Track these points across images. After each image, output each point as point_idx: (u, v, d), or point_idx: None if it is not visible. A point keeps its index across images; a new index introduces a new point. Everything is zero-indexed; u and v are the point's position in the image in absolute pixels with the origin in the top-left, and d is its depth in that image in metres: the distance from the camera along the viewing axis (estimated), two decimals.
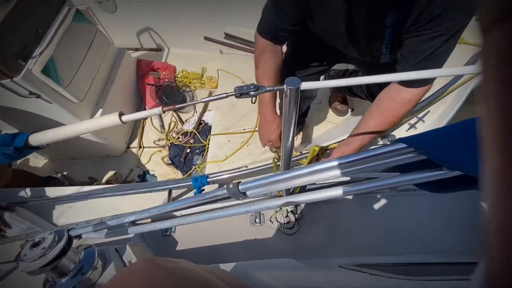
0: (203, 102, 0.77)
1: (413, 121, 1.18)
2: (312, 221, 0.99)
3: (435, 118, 1.18)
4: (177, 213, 0.89)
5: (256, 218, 1.02)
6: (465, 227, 0.90)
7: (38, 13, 1.45)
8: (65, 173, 1.82)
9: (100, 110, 1.77)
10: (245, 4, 1.97)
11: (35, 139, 0.84)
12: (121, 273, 0.37)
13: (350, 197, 1.02)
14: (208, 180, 1.01)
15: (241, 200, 0.64)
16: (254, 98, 0.69)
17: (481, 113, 0.14)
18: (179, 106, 0.87)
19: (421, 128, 1.17)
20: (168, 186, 1.06)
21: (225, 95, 0.69)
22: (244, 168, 1.09)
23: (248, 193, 0.60)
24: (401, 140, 0.43)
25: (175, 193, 1.15)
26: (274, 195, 0.95)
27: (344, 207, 1.00)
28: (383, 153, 0.44)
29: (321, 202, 0.95)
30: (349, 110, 1.67)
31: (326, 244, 0.94)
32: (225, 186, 0.60)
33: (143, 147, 2.03)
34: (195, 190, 1.07)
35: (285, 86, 0.53)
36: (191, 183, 1.01)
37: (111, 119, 0.78)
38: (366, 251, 0.91)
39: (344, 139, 1.06)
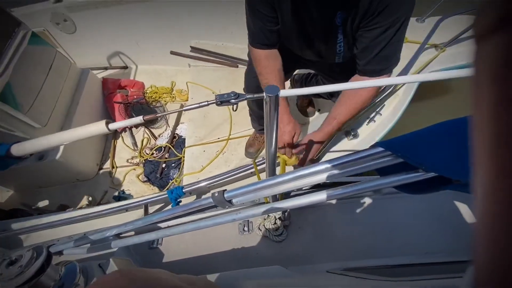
0: (184, 110, 0.77)
1: (371, 115, 1.28)
2: (300, 228, 1.00)
3: (390, 111, 1.29)
4: (163, 225, 0.88)
5: (244, 226, 1.02)
6: (447, 227, 0.94)
7: None
8: (35, 205, 1.72)
9: None
10: (209, 18, 2.03)
11: (18, 149, 0.80)
12: (90, 285, 0.38)
13: (336, 202, 1.04)
14: (184, 190, 1.02)
15: (228, 208, 0.65)
16: (235, 106, 0.70)
17: (473, 121, 0.14)
18: (160, 114, 0.87)
19: (379, 121, 1.27)
20: (143, 202, 1.04)
21: (206, 103, 0.70)
22: (218, 175, 1.11)
23: (234, 201, 0.60)
24: (379, 144, 0.45)
25: (152, 209, 1.14)
26: (262, 202, 0.97)
27: (331, 212, 1.02)
28: (363, 157, 0.46)
29: (308, 208, 1.01)
30: (316, 111, 1.76)
31: (314, 250, 0.95)
32: (210, 194, 0.60)
33: (116, 167, 1.98)
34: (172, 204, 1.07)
35: (264, 94, 0.54)
36: (166, 195, 1.01)
37: (98, 128, 0.76)
38: (354, 255, 0.92)
39: None
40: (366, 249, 0.93)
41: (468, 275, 0.32)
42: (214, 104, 0.69)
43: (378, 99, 1.26)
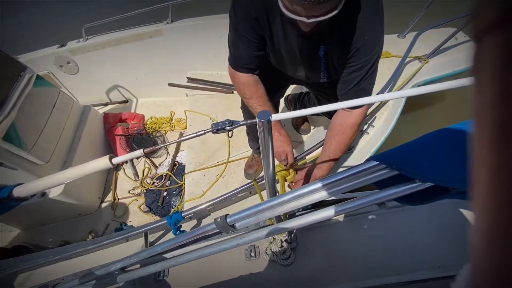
0: (182, 140, 0.80)
1: (364, 127, 1.31)
2: (308, 249, 0.97)
3: (382, 122, 1.32)
4: (168, 255, 0.86)
5: (251, 251, 0.98)
6: (456, 238, 0.91)
7: None
8: (37, 242, 1.71)
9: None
10: (202, 49, 2.16)
11: (20, 191, 0.79)
12: None
13: (342, 219, 1.02)
14: (183, 215, 1.02)
15: (231, 233, 0.64)
16: (230, 133, 0.72)
17: (473, 120, 0.14)
18: (159, 146, 0.89)
19: (372, 132, 1.29)
20: (143, 230, 1.04)
21: (202, 132, 0.72)
22: (217, 197, 1.11)
23: (237, 225, 0.59)
24: (372, 158, 0.46)
25: (152, 237, 1.13)
26: (266, 225, 0.94)
27: (338, 231, 1.00)
28: (359, 171, 0.47)
29: (314, 228, 0.99)
30: (311, 128, 1.79)
31: (323, 271, 0.92)
32: (212, 220, 0.60)
33: (118, 199, 1.98)
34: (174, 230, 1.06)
35: (257, 119, 0.56)
36: (166, 222, 1.01)
37: (102, 163, 0.77)
38: (364, 274, 0.90)
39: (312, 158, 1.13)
40: (377, 266, 0.90)
41: (463, 274, 0.31)
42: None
43: (369, 112, 1.30)
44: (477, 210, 0.14)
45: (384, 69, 1.57)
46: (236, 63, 1.00)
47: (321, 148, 1.17)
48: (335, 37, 0.87)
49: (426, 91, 0.57)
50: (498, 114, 0.12)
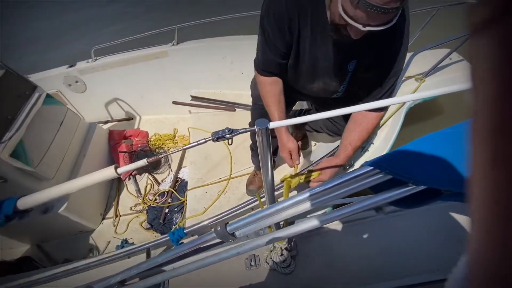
0: (184, 149, 0.80)
1: (364, 145, 1.33)
2: (307, 256, 0.97)
3: (382, 139, 1.35)
4: (168, 267, 0.85)
5: (251, 261, 0.98)
6: (454, 241, 0.93)
7: (7, 103, 1.54)
8: (38, 260, 1.69)
9: None
10: (206, 69, 2.24)
11: (25, 202, 0.79)
12: None
13: (340, 226, 1.03)
14: (185, 231, 1.02)
15: (231, 242, 0.65)
16: (230, 140, 0.74)
17: (471, 115, 0.14)
18: (162, 155, 0.90)
19: (372, 149, 1.31)
20: (145, 246, 1.04)
21: (203, 140, 0.74)
22: (220, 214, 1.12)
23: (237, 233, 0.60)
24: (367, 163, 0.47)
25: (154, 253, 1.12)
26: (267, 233, 0.96)
27: (338, 237, 1.01)
28: (354, 177, 0.48)
29: (314, 235, 1.00)
30: (312, 145, 1.82)
31: (324, 278, 0.92)
32: (213, 229, 0.60)
33: (119, 216, 1.98)
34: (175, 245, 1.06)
35: (255, 127, 0.59)
36: (168, 238, 1.01)
37: (107, 173, 0.78)
38: (365, 279, 0.90)
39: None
40: (377, 271, 0.90)
41: (459, 267, 0.32)
42: (214, 143, 0.74)
43: None
44: (475, 204, 0.14)
45: None
46: (262, 67, 1.04)
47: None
48: (370, 51, 0.89)
49: (434, 94, 0.62)
50: (496, 109, 0.12)
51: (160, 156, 0.85)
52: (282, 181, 0.94)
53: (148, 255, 1.06)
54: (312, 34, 0.90)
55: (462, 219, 0.97)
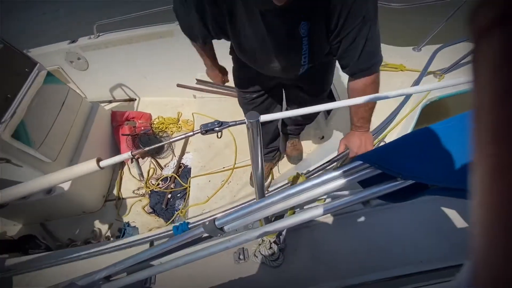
0: (171, 142, 0.78)
1: (376, 143, 1.28)
2: (296, 250, 0.98)
3: (394, 137, 1.30)
4: (155, 261, 0.84)
5: (240, 254, 0.98)
6: (437, 233, 0.95)
7: (6, 80, 1.48)
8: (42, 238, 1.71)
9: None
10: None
11: (1, 196, 0.72)
12: None
13: (329, 219, 1.03)
14: (189, 226, 1.01)
15: (220, 236, 0.63)
16: (219, 133, 0.70)
17: (473, 116, 0.14)
18: (148, 148, 0.84)
19: None
20: (149, 238, 1.03)
21: (191, 133, 0.70)
22: (225, 209, 1.10)
23: (225, 228, 0.59)
24: (356, 157, 0.48)
25: (157, 244, 1.12)
26: (256, 227, 0.96)
27: (325, 231, 1.01)
28: (345, 171, 0.49)
29: (302, 228, 0.99)
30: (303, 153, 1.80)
31: (313, 271, 0.94)
32: (201, 224, 0.60)
33: (122, 198, 1.98)
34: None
35: (246, 120, 0.57)
36: (172, 231, 1.00)
37: (89, 166, 0.72)
38: (352, 271, 0.91)
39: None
40: (363, 264, 0.92)
41: (463, 272, 0.31)
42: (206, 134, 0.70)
43: (380, 129, 1.28)
44: (478, 206, 0.14)
45: (398, 82, 1.54)
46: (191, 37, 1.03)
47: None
48: (318, 8, 0.75)
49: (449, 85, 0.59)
50: (500, 110, 0.12)
51: (146, 149, 0.80)
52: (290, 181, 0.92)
53: (151, 245, 1.05)
54: (246, 8, 0.79)
55: (446, 212, 0.99)
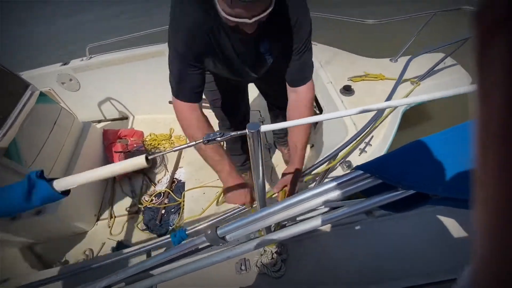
0: (174, 151, 0.79)
1: (362, 146, 1.35)
2: (298, 261, 0.97)
3: (379, 140, 1.37)
4: (156, 271, 0.84)
5: (241, 265, 0.96)
6: (442, 245, 0.94)
7: None
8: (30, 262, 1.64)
9: None
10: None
11: (61, 184, 0.68)
12: None
13: (331, 230, 1.03)
14: (187, 233, 1.01)
15: (222, 246, 0.64)
16: (223, 143, 0.75)
17: (478, 124, 0.14)
18: (163, 153, 0.87)
19: (370, 151, 1.34)
20: (146, 248, 1.03)
21: (194, 142, 0.72)
22: (222, 214, 1.12)
23: (227, 237, 0.59)
24: (357, 167, 0.48)
25: (157, 254, 1.11)
26: (257, 237, 0.96)
27: (328, 241, 1.00)
28: (346, 180, 0.49)
29: (305, 239, 0.99)
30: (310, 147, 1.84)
31: (315, 282, 0.92)
32: (203, 233, 0.60)
33: (115, 217, 1.95)
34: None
35: (247, 130, 0.58)
36: (169, 239, 1.00)
37: (138, 161, 0.73)
38: (356, 283, 0.90)
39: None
40: (367, 275, 0.91)
41: (464, 276, 0.33)
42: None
43: (366, 130, 1.35)
44: (480, 211, 0.14)
45: (378, 90, 1.64)
46: (179, 94, 1.00)
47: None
48: (272, 31, 0.94)
49: (421, 100, 0.59)
50: (508, 115, 0.12)
51: (163, 153, 0.83)
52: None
53: (149, 256, 1.04)
54: (228, 36, 0.94)
55: (448, 223, 0.99)
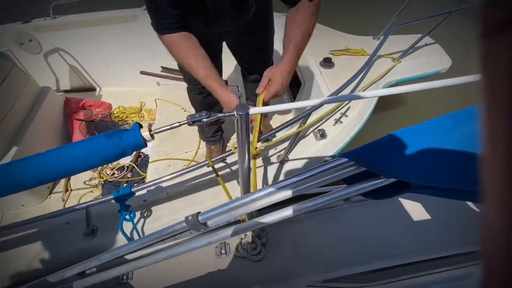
0: (156, 133, 0.70)
1: (337, 116, 1.27)
2: (277, 244, 0.99)
3: (356, 113, 1.30)
4: (132, 256, 0.77)
5: (221, 249, 0.98)
6: (411, 228, 1.00)
7: None
8: None
9: (15, 148, 1.54)
10: None
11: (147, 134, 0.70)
12: None
13: (310, 215, 1.06)
14: (133, 190, 0.89)
15: (202, 231, 0.61)
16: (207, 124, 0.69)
17: (484, 121, 0.14)
18: (168, 127, 0.73)
19: (346, 121, 1.26)
20: (83, 206, 0.90)
21: (177, 124, 0.69)
22: (176, 172, 1.01)
23: (209, 223, 0.58)
24: (342, 154, 0.48)
25: (97, 219, 0.98)
26: (237, 221, 0.89)
27: (307, 225, 1.04)
28: (330, 168, 0.48)
29: (284, 223, 0.98)
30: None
31: (293, 265, 0.95)
32: (184, 218, 0.57)
33: (71, 190, 1.77)
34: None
35: (235, 112, 0.55)
36: (111, 197, 0.88)
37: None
38: (332, 266, 0.93)
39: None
40: (344, 258, 0.95)
41: (475, 275, 0.32)
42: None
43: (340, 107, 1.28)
44: (491, 208, 0.14)
45: (358, 65, 1.58)
46: (161, 24, 0.90)
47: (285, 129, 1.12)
48: None
49: (396, 92, 0.58)
50: None
51: (165, 129, 0.75)
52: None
53: (88, 218, 0.92)
54: None
55: (421, 208, 1.05)
